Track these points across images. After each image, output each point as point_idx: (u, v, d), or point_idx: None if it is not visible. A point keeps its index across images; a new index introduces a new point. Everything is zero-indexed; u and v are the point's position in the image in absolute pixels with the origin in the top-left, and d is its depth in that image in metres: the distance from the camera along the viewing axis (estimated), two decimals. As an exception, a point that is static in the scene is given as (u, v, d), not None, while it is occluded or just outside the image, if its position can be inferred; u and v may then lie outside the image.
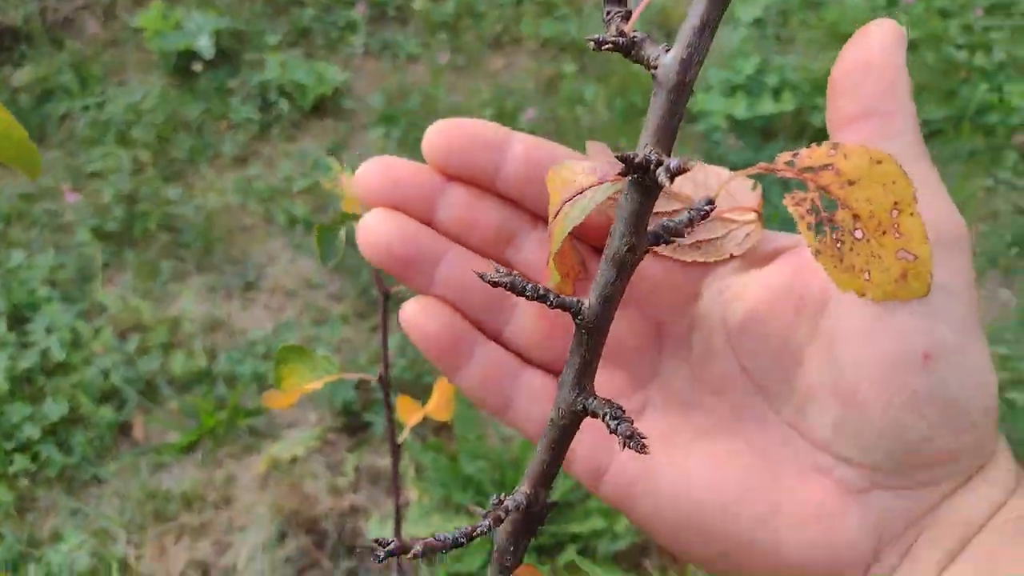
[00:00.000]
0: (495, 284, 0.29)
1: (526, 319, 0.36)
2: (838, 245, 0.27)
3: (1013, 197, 2.16)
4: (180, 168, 2.26)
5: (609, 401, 0.29)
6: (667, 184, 0.24)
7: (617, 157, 0.26)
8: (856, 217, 0.26)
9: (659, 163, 0.24)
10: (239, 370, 1.81)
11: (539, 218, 0.36)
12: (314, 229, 0.51)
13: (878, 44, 0.30)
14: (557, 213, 0.30)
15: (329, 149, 2.30)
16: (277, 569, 1.53)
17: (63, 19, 2.56)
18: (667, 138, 0.26)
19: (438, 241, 0.35)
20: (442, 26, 2.61)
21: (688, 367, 0.35)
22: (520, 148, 0.35)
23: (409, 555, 0.31)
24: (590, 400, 0.30)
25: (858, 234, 0.26)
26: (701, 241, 0.35)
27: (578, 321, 0.29)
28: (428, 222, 0.35)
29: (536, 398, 0.35)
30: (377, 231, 0.34)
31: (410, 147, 2.26)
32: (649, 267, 0.35)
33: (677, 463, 0.33)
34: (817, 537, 0.30)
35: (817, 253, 0.27)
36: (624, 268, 0.28)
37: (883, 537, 0.30)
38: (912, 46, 2.52)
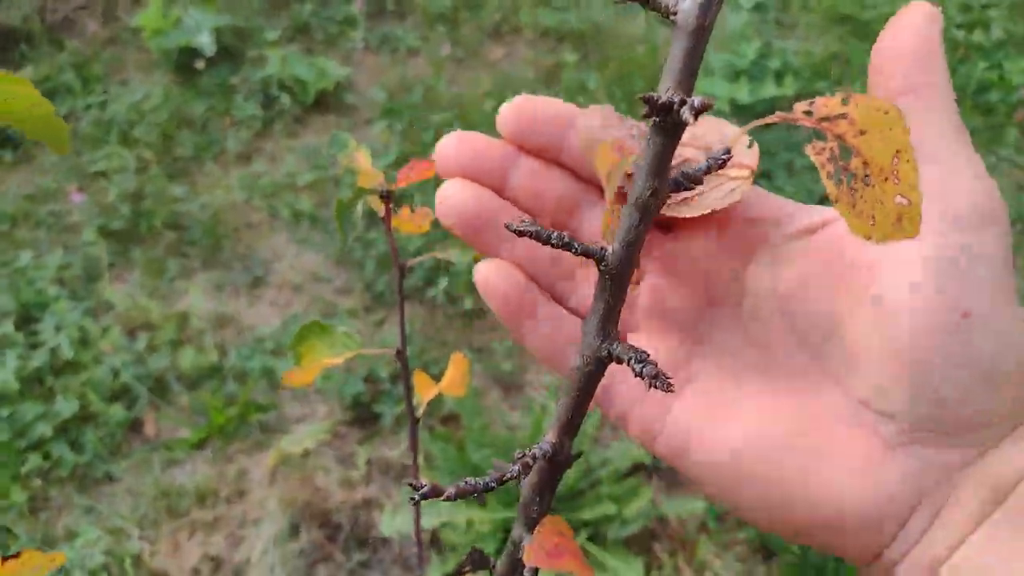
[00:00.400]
0: (520, 233, 0.30)
1: (588, 289, 0.38)
2: (852, 192, 0.28)
3: (1015, 175, 2.16)
4: (185, 166, 2.27)
5: (632, 346, 0.30)
6: (691, 122, 0.25)
7: (640, 98, 0.27)
8: (866, 164, 0.27)
9: (683, 102, 0.25)
10: (248, 365, 1.82)
11: (602, 190, 0.38)
12: (334, 205, 0.52)
13: (916, 23, 0.32)
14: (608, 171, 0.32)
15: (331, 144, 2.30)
16: (289, 562, 1.54)
17: (62, 19, 2.56)
18: (688, 80, 0.27)
19: (508, 209, 0.37)
20: (441, 18, 2.61)
21: (738, 331, 0.36)
22: (583, 122, 0.37)
23: (443, 497, 0.32)
24: (615, 345, 0.30)
25: (867, 180, 0.28)
26: (685, 197, 0.36)
27: (602, 267, 0.29)
28: (500, 192, 0.37)
29: None
30: (453, 198, 0.36)
31: (412, 139, 2.26)
32: (700, 236, 0.36)
33: (727, 417, 0.34)
34: (859, 488, 0.31)
35: (835, 200, 0.28)
36: (647, 212, 0.29)
37: (921, 491, 0.31)
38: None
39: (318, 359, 0.69)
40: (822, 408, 0.33)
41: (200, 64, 2.41)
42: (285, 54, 2.45)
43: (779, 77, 2.33)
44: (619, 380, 0.37)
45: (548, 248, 0.30)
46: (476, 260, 0.65)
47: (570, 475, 1.59)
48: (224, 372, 1.83)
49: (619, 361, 0.30)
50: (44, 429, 1.72)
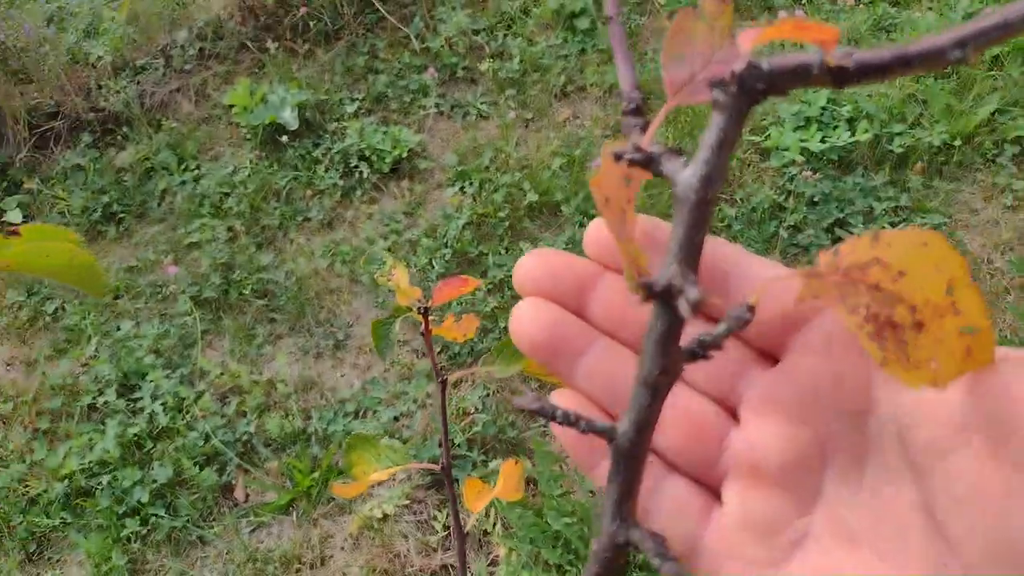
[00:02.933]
0: (522, 410, 0.30)
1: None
2: (902, 345, 0.25)
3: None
4: (271, 235, 2.39)
5: (654, 534, 0.28)
6: (689, 316, 0.25)
7: (638, 284, 0.26)
8: (913, 309, 0.25)
9: (680, 292, 0.25)
10: (331, 429, 1.88)
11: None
12: (371, 325, 0.54)
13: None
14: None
15: (405, 211, 2.38)
16: (373, 627, 1.56)
17: (159, 102, 2.76)
18: (692, 256, 0.26)
19: (586, 333, 0.34)
20: (509, 82, 2.68)
21: (857, 491, 0.30)
22: None
23: None
24: (632, 531, 0.29)
25: (919, 327, 0.25)
26: None
27: (612, 449, 0.28)
28: (581, 313, 0.35)
29: None
30: (525, 320, 0.34)
31: (483, 201, 2.31)
32: (813, 367, 0.30)
33: None
34: None
35: (884, 364, 0.25)
36: (658, 392, 0.28)
37: None
38: (996, 61, 2.43)
39: (366, 471, 0.72)
40: None
41: (284, 138, 2.55)
42: (363, 125, 2.56)
43: (852, 123, 2.29)
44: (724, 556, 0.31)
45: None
46: (523, 372, 0.67)
47: None
48: (308, 435, 1.89)
49: (636, 549, 0.28)
50: (142, 494, 1.81)
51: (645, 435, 0.28)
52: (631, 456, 0.28)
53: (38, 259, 0.44)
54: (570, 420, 0.28)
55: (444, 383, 0.63)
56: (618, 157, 0.29)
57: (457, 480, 1.75)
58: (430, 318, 0.64)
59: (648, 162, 0.29)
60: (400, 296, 0.62)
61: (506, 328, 2.01)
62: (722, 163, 0.26)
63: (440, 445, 0.62)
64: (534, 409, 0.29)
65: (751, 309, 0.27)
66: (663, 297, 0.26)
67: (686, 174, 0.26)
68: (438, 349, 2.02)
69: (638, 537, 0.28)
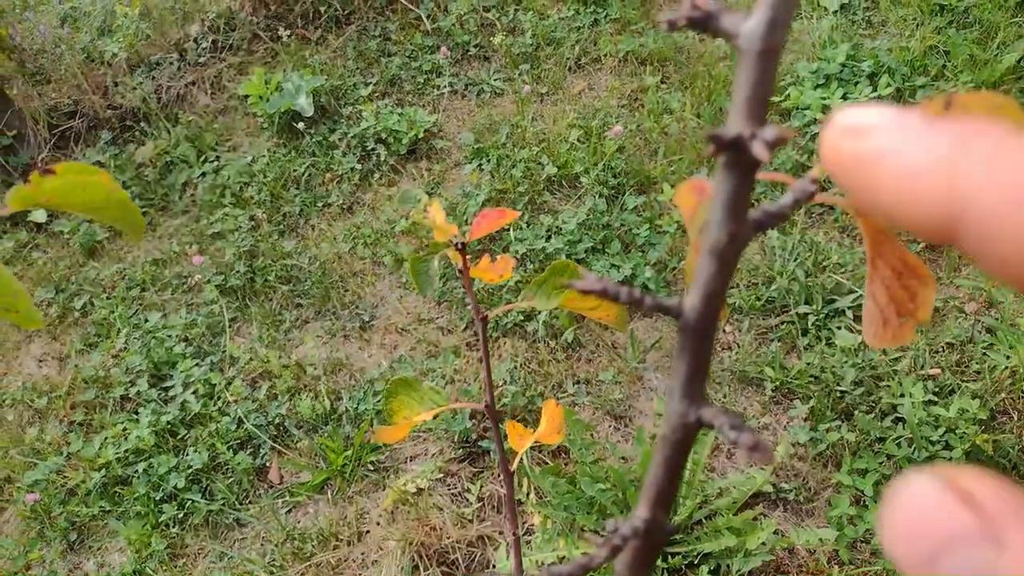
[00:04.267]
0: (585, 292, 0.28)
1: None
2: None
3: None
4: (293, 222, 2.39)
5: (725, 409, 0.27)
6: (764, 159, 0.23)
7: (707, 137, 0.25)
8: None
9: (752, 136, 0.23)
10: (361, 408, 1.88)
11: None
12: (408, 260, 0.53)
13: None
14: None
15: (425, 191, 2.38)
16: (412, 601, 1.56)
17: (176, 96, 2.77)
18: (759, 109, 0.25)
19: None
20: (522, 57, 2.66)
21: None
22: None
23: None
24: (704, 410, 0.28)
25: None
26: None
27: (680, 324, 0.27)
28: None
29: None
30: None
31: (502, 177, 2.30)
32: None
33: None
34: None
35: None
36: (725, 260, 0.27)
37: None
38: (1021, 7, 2.36)
39: (409, 415, 0.71)
40: None
41: (301, 125, 2.55)
42: (378, 108, 2.55)
43: (873, 78, 2.24)
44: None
45: None
46: (562, 306, 0.65)
47: (686, 505, 1.55)
48: (339, 415, 1.90)
49: (709, 427, 0.27)
50: (178, 479, 1.83)
51: (713, 308, 0.26)
52: (700, 331, 0.27)
53: (76, 194, 0.43)
54: (635, 299, 0.27)
55: (485, 319, 0.62)
56: (672, 24, 0.28)
57: (488, 452, 1.75)
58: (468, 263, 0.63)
59: (706, 20, 0.27)
60: (437, 232, 0.61)
61: (531, 301, 2.00)
62: (788, 6, 0.25)
63: (482, 388, 0.62)
64: (596, 290, 0.28)
65: (814, 181, 0.26)
66: (733, 146, 0.25)
67: (749, 24, 0.24)
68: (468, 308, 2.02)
69: (710, 415, 0.27)
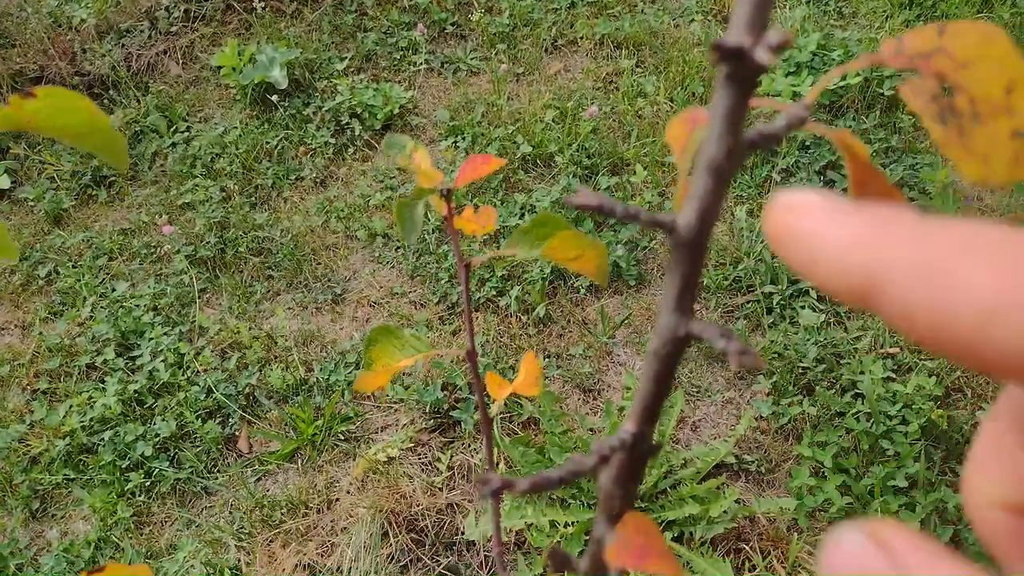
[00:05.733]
0: (581, 207, 0.29)
1: None
2: (961, 132, 0.25)
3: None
4: (265, 194, 2.38)
5: (713, 324, 0.28)
6: (768, 62, 0.24)
7: (711, 46, 0.26)
8: (973, 101, 0.25)
9: (755, 43, 0.24)
10: (333, 379, 1.89)
11: None
12: (394, 204, 0.54)
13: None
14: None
15: (399, 167, 2.37)
16: (381, 568, 1.58)
17: (146, 64, 2.73)
18: (759, 24, 0.26)
19: None
20: (499, 37, 2.67)
21: None
22: None
23: (516, 491, 0.32)
24: (693, 323, 0.28)
25: (977, 119, 0.25)
26: None
27: (674, 240, 0.27)
28: None
29: None
30: None
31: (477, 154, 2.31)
32: None
33: None
34: None
35: (943, 145, 0.25)
36: (722, 176, 0.28)
37: None
38: (987, 4, 2.43)
39: (389, 363, 0.72)
40: None
41: (275, 97, 2.53)
42: (353, 83, 2.54)
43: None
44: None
45: None
46: (544, 256, 0.67)
47: (651, 474, 1.58)
48: (311, 386, 1.90)
49: (698, 339, 0.27)
50: (145, 448, 1.81)
51: (707, 224, 0.27)
52: (693, 246, 0.27)
53: (58, 117, 0.44)
54: (631, 214, 0.29)
55: (468, 267, 0.63)
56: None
57: (460, 422, 1.77)
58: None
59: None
60: (422, 178, 0.62)
61: (503, 277, 2.02)
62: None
63: (468, 337, 0.63)
64: (592, 205, 0.29)
65: (807, 107, 0.28)
66: (735, 56, 0.25)
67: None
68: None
69: (699, 328, 0.28)
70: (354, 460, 1.75)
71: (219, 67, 2.65)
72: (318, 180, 2.40)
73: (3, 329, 2.20)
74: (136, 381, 1.94)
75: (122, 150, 0.47)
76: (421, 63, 2.63)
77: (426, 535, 1.61)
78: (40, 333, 2.10)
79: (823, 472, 1.59)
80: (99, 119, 0.45)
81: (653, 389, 0.29)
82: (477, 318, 1.97)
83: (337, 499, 1.69)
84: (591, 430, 1.70)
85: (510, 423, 1.74)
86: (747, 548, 1.52)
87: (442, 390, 1.80)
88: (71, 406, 1.92)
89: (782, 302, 1.87)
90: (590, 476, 0.35)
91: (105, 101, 2.68)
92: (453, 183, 0.66)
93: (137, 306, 2.11)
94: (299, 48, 2.65)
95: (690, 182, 0.32)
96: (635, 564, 0.29)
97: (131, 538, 1.71)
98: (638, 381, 0.31)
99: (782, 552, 1.52)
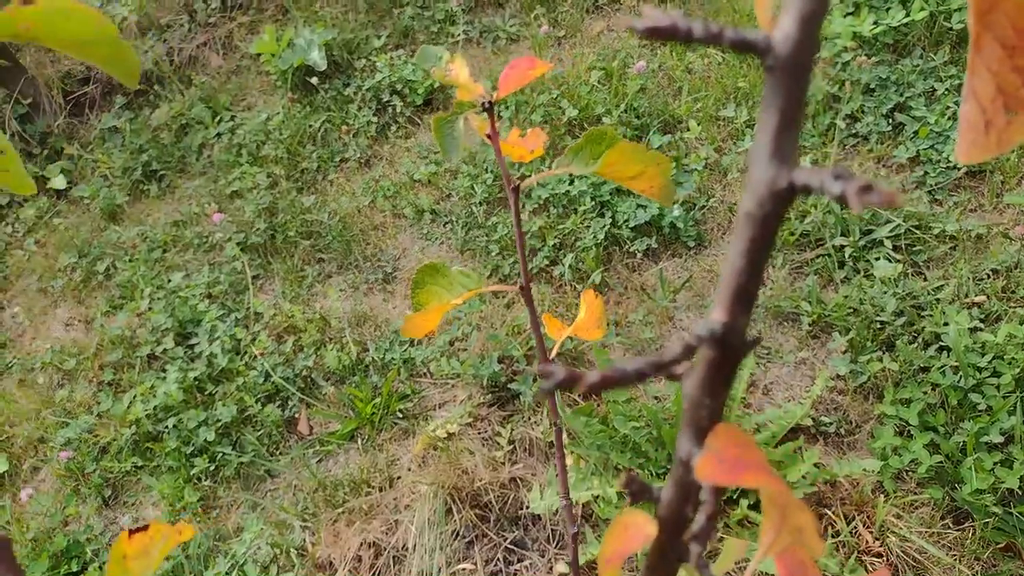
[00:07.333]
0: (651, 33, 0.23)
1: None
2: None
3: None
4: (311, 178, 2.36)
5: (824, 168, 0.22)
6: None
7: None
8: None
9: None
10: (388, 357, 1.86)
11: None
12: (432, 121, 0.48)
13: None
14: None
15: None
16: (447, 544, 1.55)
17: (188, 57, 2.74)
18: None
19: None
20: (539, 0, 2.58)
21: None
22: None
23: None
24: (798, 172, 0.22)
25: None
26: None
27: (769, 62, 0.21)
28: None
29: None
30: None
31: (521, 122, 2.24)
32: None
33: None
34: None
35: None
36: None
37: None
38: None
39: (438, 304, 0.66)
40: None
41: (315, 80, 2.50)
42: (392, 59, 2.50)
43: (906, 3, 2.14)
44: None
45: None
46: (600, 173, 0.60)
47: (724, 440, 1.51)
48: (366, 366, 1.88)
49: (807, 192, 0.22)
50: (208, 433, 1.82)
51: (812, 35, 0.21)
52: (795, 68, 0.21)
53: (59, 24, 0.39)
54: (712, 34, 0.22)
55: (516, 189, 0.57)
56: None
57: (518, 395, 1.72)
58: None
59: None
60: (461, 91, 0.56)
61: (555, 246, 1.96)
62: None
63: (519, 267, 0.57)
64: (664, 27, 0.22)
65: None
66: None
67: None
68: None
69: (805, 176, 0.21)
70: (414, 438, 1.72)
71: (258, 54, 2.64)
72: (362, 160, 2.37)
73: (68, 325, 2.24)
74: (196, 368, 1.94)
75: (132, 62, 0.42)
76: (459, 34, 2.57)
77: (490, 510, 1.57)
78: (102, 326, 2.13)
79: (908, 431, 1.49)
80: (105, 27, 0.40)
81: (748, 265, 0.24)
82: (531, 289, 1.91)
83: (399, 477, 1.66)
84: (656, 398, 1.63)
85: (571, 393, 1.69)
86: (829, 513, 1.44)
87: (499, 363, 1.75)
88: (135, 395, 1.94)
89: (855, 254, 1.76)
90: (670, 375, 0.28)
91: (151, 97, 2.71)
92: (496, 94, 0.59)
93: (193, 295, 2.11)
94: (336, 28, 2.62)
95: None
96: (730, 479, 0.25)
97: (199, 522, 1.72)
98: (728, 255, 0.24)
99: (867, 516, 1.43)
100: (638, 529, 0.33)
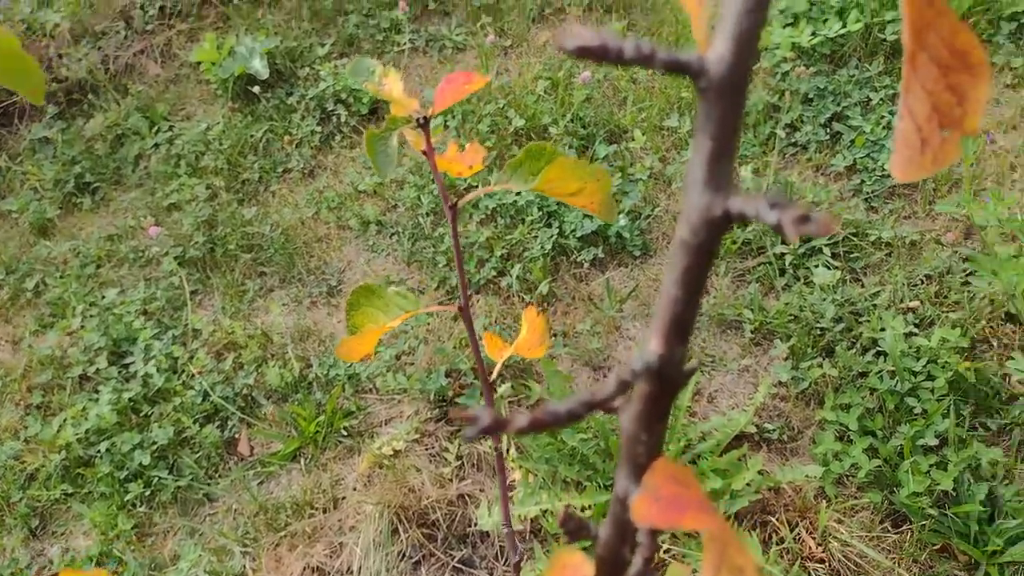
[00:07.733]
0: (581, 53, 0.21)
1: None
2: None
3: None
4: (252, 189, 2.30)
5: (759, 195, 0.21)
6: None
7: None
8: None
9: None
10: (332, 374, 1.82)
11: None
12: (364, 137, 0.46)
13: None
14: None
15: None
16: (393, 566, 1.51)
17: (124, 66, 2.65)
18: None
19: None
20: (484, 10, 2.58)
21: None
22: None
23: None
24: (732, 199, 0.20)
25: None
26: None
27: (702, 85, 0.20)
28: None
29: None
30: None
31: (467, 132, 2.23)
32: None
33: None
34: None
35: None
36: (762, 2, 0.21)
37: None
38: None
39: (374, 326, 0.63)
40: None
41: (256, 89, 2.45)
42: (336, 68, 2.46)
43: (842, 14, 2.19)
44: None
45: None
46: (539, 190, 0.59)
47: (669, 450, 1.51)
48: (309, 383, 1.83)
49: (742, 220, 0.20)
50: (142, 457, 1.75)
51: (746, 55, 0.20)
52: (729, 90, 0.20)
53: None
54: (644, 55, 0.20)
55: (454, 208, 0.56)
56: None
57: (466, 406, 1.69)
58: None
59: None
60: (395, 106, 0.54)
61: (503, 257, 1.94)
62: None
63: (458, 288, 0.56)
64: (594, 47, 0.20)
65: None
66: None
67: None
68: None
69: (740, 204, 0.20)
70: (359, 456, 1.68)
71: (198, 63, 2.57)
72: (306, 171, 2.32)
73: (-6, 345, 2.14)
74: (130, 389, 1.87)
75: (37, 77, 0.39)
76: (405, 43, 2.55)
77: (438, 528, 1.54)
78: (30, 346, 2.04)
79: (848, 436, 1.52)
80: (5, 39, 0.37)
81: (683, 294, 0.23)
82: (478, 301, 1.89)
83: (343, 497, 1.62)
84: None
85: (518, 406, 1.67)
86: (773, 520, 1.45)
87: (446, 377, 1.73)
88: (65, 419, 1.86)
89: (795, 262, 1.79)
90: (606, 409, 0.27)
91: (85, 106, 2.62)
92: (431, 110, 0.57)
93: (127, 312, 2.04)
94: (279, 36, 2.57)
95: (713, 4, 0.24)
96: (667, 520, 0.23)
97: (133, 550, 1.65)
98: (663, 285, 0.23)
99: (810, 522, 1.44)
100: (575, 570, 0.32)
